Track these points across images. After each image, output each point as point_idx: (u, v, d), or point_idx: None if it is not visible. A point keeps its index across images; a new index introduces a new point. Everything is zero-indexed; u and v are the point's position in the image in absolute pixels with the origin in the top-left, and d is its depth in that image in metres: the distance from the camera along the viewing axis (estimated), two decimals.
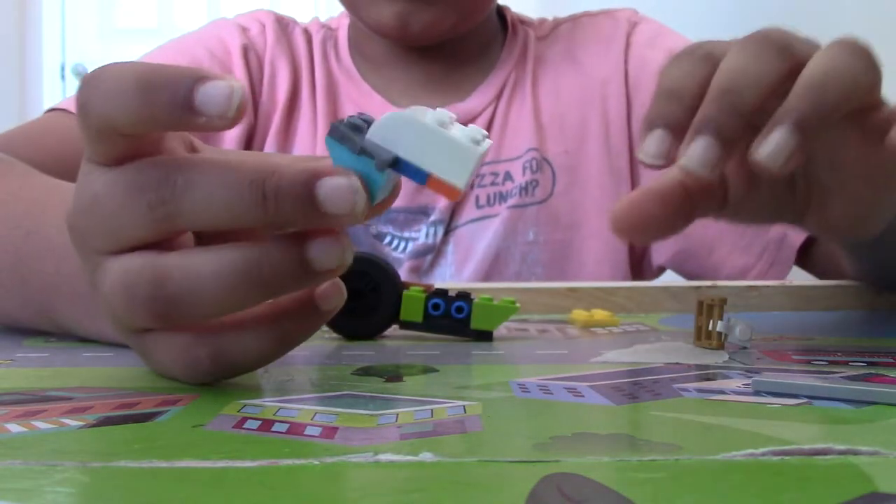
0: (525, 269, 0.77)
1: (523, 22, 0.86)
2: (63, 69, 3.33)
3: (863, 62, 0.36)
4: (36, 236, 0.44)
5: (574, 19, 0.86)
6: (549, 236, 0.77)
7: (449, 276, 0.77)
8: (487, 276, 0.76)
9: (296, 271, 0.30)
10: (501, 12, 0.86)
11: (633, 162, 0.79)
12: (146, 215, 0.30)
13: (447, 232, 0.77)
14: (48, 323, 0.45)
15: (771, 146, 0.34)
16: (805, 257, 0.73)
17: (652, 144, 0.35)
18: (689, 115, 0.35)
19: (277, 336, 0.33)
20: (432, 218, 0.76)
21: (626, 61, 0.81)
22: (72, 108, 0.72)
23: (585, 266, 0.77)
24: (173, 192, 0.29)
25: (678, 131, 0.35)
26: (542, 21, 0.87)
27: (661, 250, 0.79)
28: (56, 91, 3.32)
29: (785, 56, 0.36)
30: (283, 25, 0.85)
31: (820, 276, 0.72)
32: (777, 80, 0.36)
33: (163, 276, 0.30)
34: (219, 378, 0.33)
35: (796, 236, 0.72)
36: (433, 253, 0.76)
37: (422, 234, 0.76)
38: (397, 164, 0.30)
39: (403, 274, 0.75)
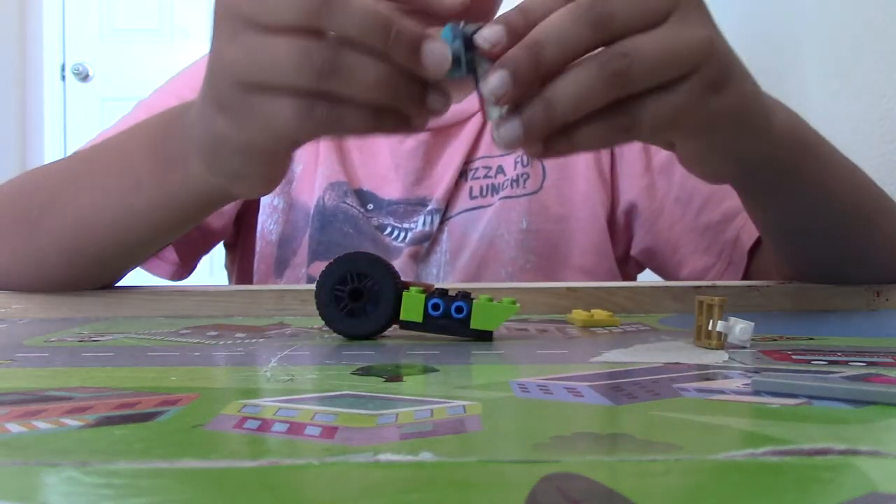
0: (521, 256, 0.79)
1: None
2: (63, 69, 3.33)
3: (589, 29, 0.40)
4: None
5: None
6: (540, 226, 0.80)
7: (444, 263, 0.78)
8: (483, 263, 0.78)
9: (415, 95, 0.41)
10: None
11: (613, 159, 0.83)
12: (308, 10, 0.39)
13: (442, 221, 0.79)
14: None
15: (488, 86, 0.39)
16: (750, 259, 0.75)
17: (488, 31, 0.40)
18: (526, 25, 0.40)
19: (376, 116, 0.41)
20: (430, 207, 0.79)
21: None
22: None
23: (572, 257, 0.80)
24: (333, 4, 0.38)
25: (514, 38, 0.40)
26: None
27: (635, 244, 0.83)
28: (56, 91, 3.32)
29: (602, 27, 0.40)
30: None
31: (760, 276, 0.75)
32: (583, 50, 0.40)
33: (339, 50, 0.39)
34: (316, 130, 0.41)
35: (747, 239, 0.75)
36: (430, 240, 0.78)
37: (419, 223, 0.78)
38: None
39: (402, 260, 0.77)
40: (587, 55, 0.40)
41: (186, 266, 0.79)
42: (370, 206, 0.80)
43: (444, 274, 0.79)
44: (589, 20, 0.39)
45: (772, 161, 0.52)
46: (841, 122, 0.94)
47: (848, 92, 0.93)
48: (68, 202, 0.58)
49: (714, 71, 0.42)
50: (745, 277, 0.76)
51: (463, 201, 0.80)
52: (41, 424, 0.28)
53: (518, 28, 0.40)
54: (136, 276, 0.67)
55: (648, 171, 0.81)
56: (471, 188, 0.80)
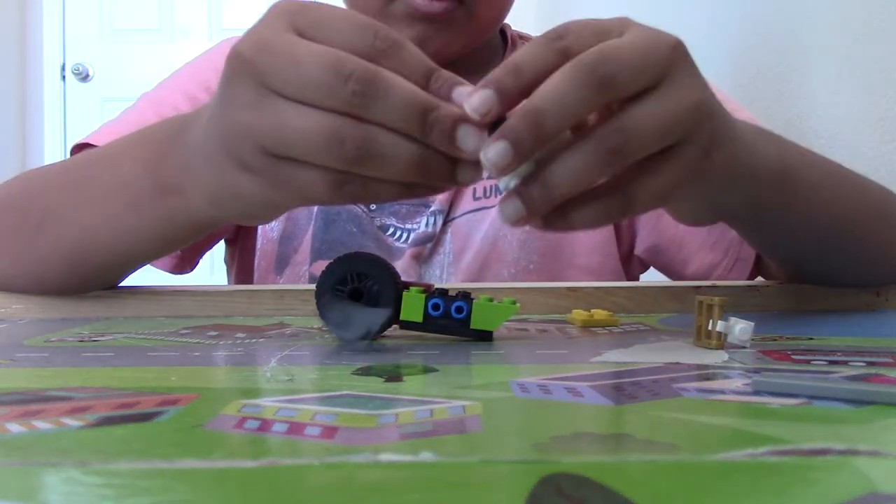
0: (523, 257, 0.79)
1: (522, 37, 0.90)
2: (63, 69, 3.33)
3: (592, 92, 0.39)
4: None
5: None
6: None
7: (447, 265, 0.78)
8: (486, 264, 0.78)
9: (445, 172, 0.40)
10: (502, 29, 0.89)
11: None
12: (342, 96, 0.38)
13: (446, 222, 0.79)
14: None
15: (488, 156, 0.38)
16: (758, 255, 0.76)
17: (477, 99, 0.39)
18: (520, 93, 0.39)
19: (406, 185, 0.41)
20: (432, 208, 0.79)
21: None
22: (96, 141, 0.74)
23: (576, 256, 0.80)
24: (373, 90, 0.38)
25: (504, 99, 0.39)
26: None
27: (639, 243, 0.82)
28: (56, 91, 3.32)
29: (604, 91, 0.39)
30: None
31: (769, 272, 0.75)
32: (585, 114, 0.40)
33: (372, 138, 0.39)
34: (345, 201, 0.41)
35: None
36: (433, 241, 0.78)
37: (422, 223, 0.78)
38: None
39: (405, 261, 0.77)
40: (583, 129, 0.40)
41: (189, 261, 0.79)
42: (373, 206, 0.80)
43: (447, 275, 0.79)
44: (591, 84, 0.38)
45: (757, 201, 0.52)
46: (841, 122, 0.94)
47: (848, 92, 0.93)
48: (69, 213, 0.58)
49: (705, 136, 0.43)
50: (752, 274, 0.75)
51: (466, 202, 0.80)
52: (41, 424, 0.28)
53: (510, 91, 0.39)
54: (137, 276, 0.67)
55: None
56: (474, 189, 0.80)
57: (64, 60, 3.34)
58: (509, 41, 0.88)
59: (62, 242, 0.58)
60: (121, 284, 0.64)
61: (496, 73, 0.39)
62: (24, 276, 0.61)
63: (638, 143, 0.40)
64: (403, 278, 0.47)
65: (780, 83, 1.06)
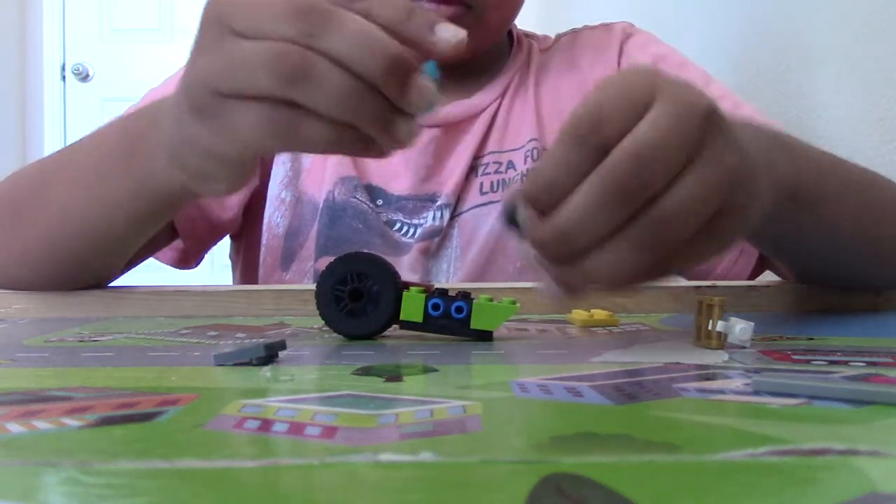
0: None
1: (528, 36, 0.91)
2: (63, 69, 3.33)
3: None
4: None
5: (575, 32, 0.91)
6: None
7: (454, 259, 0.79)
8: (491, 258, 0.78)
9: (381, 118, 0.40)
10: (509, 28, 0.89)
11: None
12: (296, 28, 0.39)
13: (453, 217, 0.79)
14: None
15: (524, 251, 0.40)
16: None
17: (521, 218, 0.39)
18: (553, 203, 0.39)
19: (338, 134, 0.40)
20: (439, 202, 0.79)
21: (618, 64, 0.86)
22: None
23: None
24: (327, 23, 0.39)
25: (540, 210, 0.39)
26: (546, 37, 0.92)
27: None
28: (56, 91, 3.32)
29: (634, 203, 0.38)
30: None
31: (777, 273, 0.75)
32: (616, 223, 0.38)
33: (310, 58, 0.39)
34: (274, 142, 0.41)
35: None
36: (440, 236, 0.78)
37: (429, 218, 0.78)
38: None
39: (412, 256, 0.77)
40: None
41: (193, 257, 0.79)
42: (379, 202, 0.80)
43: (455, 269, 0.79)
44: (621, 200, 0.37)
45: (768, 217, 0.50)
46: (841, 122, 0.94)
47: (848, 92, 0.93)
48: (50, 196, 0.59)
49: (739, 200, 0.41)
50: (758, 264, 0.75)
51: (473, 197, 0.80)
52: (41, 424, 0.28)
53: (543, 205, 0.39)
54: (138, 276, 0.67)
55: None
56: (481, 184, 0.81)
57: (64, 60, 3.34)
58: (515, 40, 0.89)
59: (43, 226, 0.59)
60: (121, 284, 0.64)
61: (529, 187, 0.39)
62: (11, 267, 0.61)
63: (674, 231, 0.38)
64: (411, 273, 0.47)
65: (780, 83, 1.06)
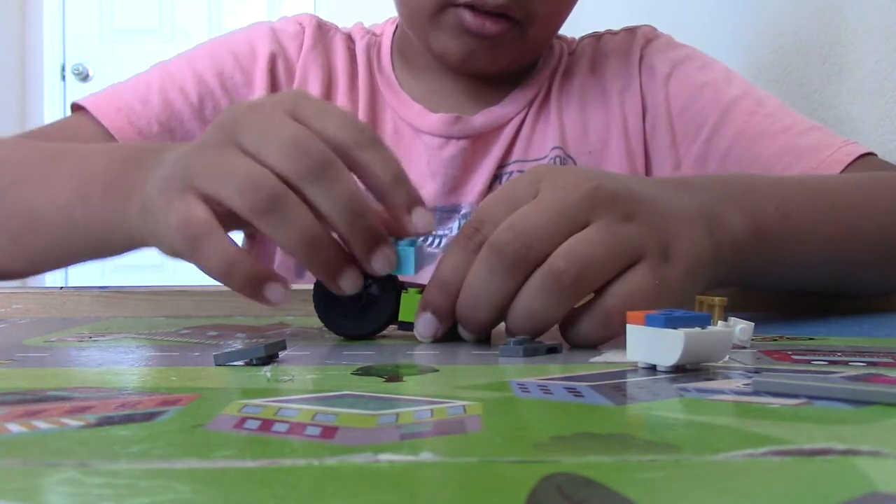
0: None
1: (557, 36, 0.89)
2: (63, 70, 3.33)
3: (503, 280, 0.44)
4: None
5: (596, 36, 0.90)
6: None
7: None
8: None
9: (334, 265, 0.45)
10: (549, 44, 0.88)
11: (647, 163, 0.83)
12: (291, 167, 0.42)
13: None
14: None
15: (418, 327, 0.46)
16: None
17: (423, 326, 0.46)
18: (452, 303, 0.45)
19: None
20: (464, 211, 0.79)
21: (639, 71, 0.85)
22: (93, 110, 0.75)
23: None
24: (321, 176, 0.43)
25: (443, 316, 0.46)
26: (572, 39, 0.91)
27: None
28: (56, 91, 3.32)
29: (522, 267, 0.43)
30: (324, 31, 0.86)
31: None
32: (508, 298, 0.44)
33: (285, 195, 0.42)
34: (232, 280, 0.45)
35: None
36: None
37: (454, 228, 0.78)
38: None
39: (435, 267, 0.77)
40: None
41: None
42: None
43: None
44: (507, 267, 0.43)
45: (735, 267, 0.51)
46: (841, 122, 0.94)
47: (848, 92, 0.93)
48: (24, 191, 0.59)
49: (655, 248, 0.45)
50: None
51: None
52: (41, 424, 0.28)
53: (446, 308, 0.46)
54: (137, 276, 0.67)
55: (678, 169, 0.81)
56: None
57: (64, 60, 3.34)
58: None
59: (11, 216, 0.60)
60: (121, 284, 0.64)
61: (428, 295, 0.45)
62: None
63: (579, 281, 0.43)
64: None
65: (780, 83, 1.06)
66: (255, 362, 0.39)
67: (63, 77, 3.33)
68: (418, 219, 0.45)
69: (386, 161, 0.45)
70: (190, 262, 0.45)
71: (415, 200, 0.45)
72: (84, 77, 3.30)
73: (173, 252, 0.47)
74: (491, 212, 0.45)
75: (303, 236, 0.42)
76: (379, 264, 0.44)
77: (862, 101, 0.90)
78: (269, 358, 0.39)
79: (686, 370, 0.37)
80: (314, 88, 0.82)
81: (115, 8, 3.33)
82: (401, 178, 0.45)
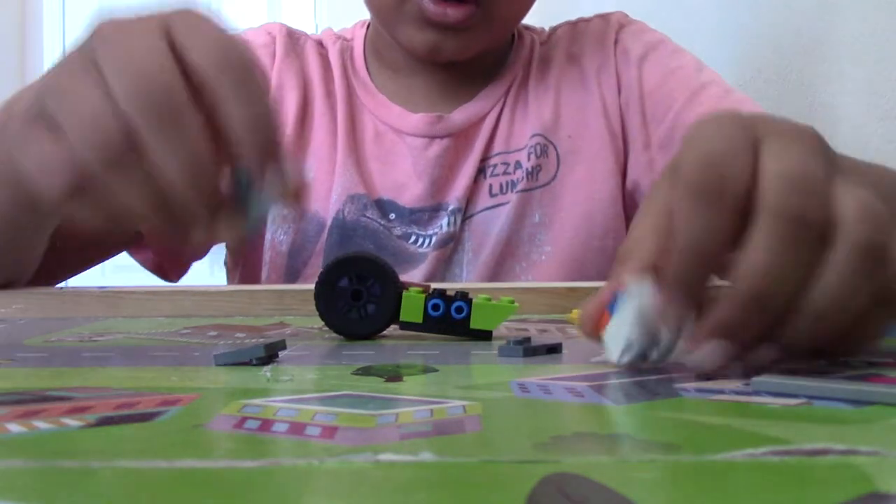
0: (534, 250, 0.79)
1: (528, 29, 0.90)
2: None
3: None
4: None
5: (571, 24, 0.91)
6: (553, 217, 0.80)
7: (466, 263, 0.79)
8: (501, 259, 0.78)
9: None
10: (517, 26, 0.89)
11: (625, 141, 0.84)
12: (138, 111, 0.36)
13: (464, 220, 0.79)
14: None
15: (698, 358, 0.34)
16: None
17: (709, 353, 0.34)
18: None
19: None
20: (451, 207, 0.79)
21: (614, 53, 0.86)
22: None
23: (594, 240, 0.80)
24: (165, 122, 0.36)
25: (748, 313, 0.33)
26: (543, 30, 0.91)
27: None
28: None
29: (817, 246, 0.33)
30: (294, 39, 0.86)
31: None
32: (809, 276, 0.33)
33: (132, 156, 0.37)
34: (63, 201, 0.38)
35: None
36: (453, 241, 0.78)
37: (443, 224, 0.78)
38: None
39: (427, 264, 0.76)
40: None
41: (172, 269, 0.78)
42: (392, 216, 0.79)
43: (468, 273, 0.78)
44: (868, 267, 0.32)
45: None
46: (841, 122, 0.94)
47: (848, 92, 0.93)
48: None
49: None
50: None
51: (483, 199, 0.80)
52: (41, 424, 0.28)
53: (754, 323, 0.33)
54: (137, 276, 0.67)
55: (647, 149, 0.81)
56: (490, 185, 0.80)
57: None
58: (516, 35, 0.88)
59: None
60: (121, 284, 0.64)
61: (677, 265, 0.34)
62: None
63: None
64: (428, 280, 0.48)
65: (780, 83, 1.06)
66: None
67: None
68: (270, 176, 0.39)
69: (245, 105, 0.38)
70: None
71: (268, 156, 0.39)
72: None
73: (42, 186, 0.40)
74: (727, 159, 0.33)
75: (149, 193, 0.38)
76: (222, 233, 0.39)
77: (862, 101, 0.90)
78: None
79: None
80: (291, 97, 0.82)
81: (115, 8, 3.33)
82: (258, 128, 0.38)
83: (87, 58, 0.39)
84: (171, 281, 0.81)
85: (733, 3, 1.21)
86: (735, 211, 0.33)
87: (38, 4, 3.31)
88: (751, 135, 0.34)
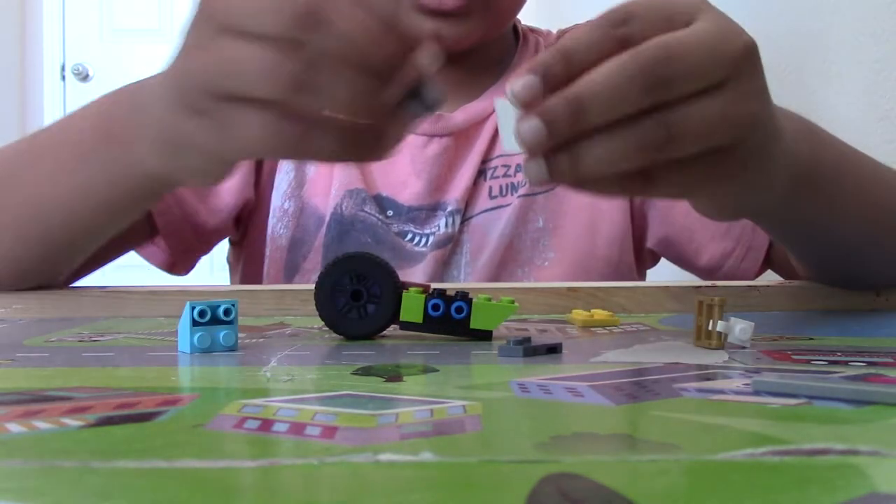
0: (537, 255, 0.79)
1: (533, 31, 0.90)
2: (63, 69, 3.33)
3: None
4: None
5: (577, 26, 0.89)
6: (557, 222, 0.79)
7: (465, 265, 0.78)
8: (502, 263, 0.78)
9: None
10: (514, 23, 0.89)
11: None
12: (292, 30, 0.37)
13: (462, 221, 0.79)
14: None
15: (520, 131, 0.37)
16: (771, 242, 0.76)
17: (520, 85, 0.37)
18: (566, 80, 0.38)
19: (344, 145, 0.40)
20: (449, 208, 0.78)
21: None
22: None
23: (598, 248, 0.79)
24: (321, 13, 0.37)
25: (550, 87, 0.37)
26: (549, 32, 0.91)
27: (650, 235, 0.82)
28: (56, 91, 3.32)
29: (658, 93, 0.37)
30: None
31: (781, 260, 0.74)
32: (631, 111, 0.37)
33: (312, 62, 0.37)
34: (280, 152, 0.41)
35: None
36: (452, 242, 0.78)
37: (441, 225, 0.78)
38: None
39: (427, 264, 0.76)
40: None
41: (182, 262, 0.78)
42: (390, 213, 0.79)
43: (465, 275, 0.78)
44: (645, 84, 0.37)
45: (783, 200, 0.51)
46: (841, 123, 0.94)
47: (848, 92, 0.93)
48: (19, 183, 0.58)
49: (747, 149, 0.41)
50: (766, 261, 0.75)
51: (483, 201, 0.80)
52: (41, 424, 0.28)
53: (558, 80, 0.37)
54: (138, 276, 0.67)
55: None
56: (490, 188, 0.80)
57: (64, 60, 3.34)
58: (521, 36, 0.88)
59: (14, 211, 0.58)
60: (121, 284, 0.64)
61: (545, 57, 0.38)
62: None
63: (679, 142, 0.38)
64: (426, 281, 0.47)
65: (780, 83, 1.06)
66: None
67: (63, 77, 3.33)
68: (425, 57, 0.40)
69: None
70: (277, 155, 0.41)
71: (415, 38, 0.40)
72: (84, 77, 3.30)
73: (215, 167, 0.44)
74: (643, 13, 0.39)
75: (349, 89, 0.38)
76: (428, 59, 0.39)
77: (862, 101, 0.90)
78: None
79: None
80: None
81: (115, 8, 3.33)
82: (393, 21, 0.39)
83: (209, 28, 0.40)
84: (178, 275, 0.81)
85: (733, 3, 1.21)
86: (613, 41, 0.38)
87: (38, 4, 3.31)
88: (686, 12, 0.40)
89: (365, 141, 0.40)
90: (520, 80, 0.37)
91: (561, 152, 0.38)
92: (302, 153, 0.41)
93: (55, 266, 0.62)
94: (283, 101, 0.38)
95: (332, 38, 0.37)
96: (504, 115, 0.38)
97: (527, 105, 0.37)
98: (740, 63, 0.40)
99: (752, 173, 0.44)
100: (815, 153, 0.52)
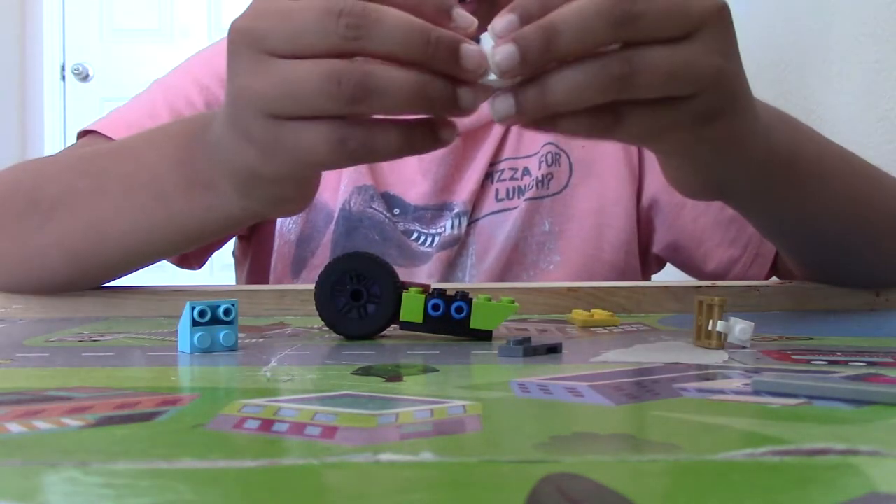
0: (543, 259, 0.79)
1: None
2: (63, 69, 3.33)
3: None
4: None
5: None
6: (563, 226, 0.79)
7: (470, 267, 0.78)
8: (507, 265, 0.78)
9: (447, 98, 0.40)
10: None
11: (641, 155, 0.82)
12: (338, 34, 0.38)
13: (469, 223, 0.78)
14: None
15: (494, 57, 0.39)
16: (776, 257, 0.76)
17: (500, 22, 0.40)
18: (542, 14, 0.39)
19: (407, 138, 0.41)
20: (456, 210, 0.78)
21: None
22: (103, 129, 0.73)
23: (604, 253, 0.79)
24: (367, 21, 0.38)
25: (526, 23, 0.39)
26: None
27: (657, 241, 0.82)
28: (56, 91, 3.32)
29: (627, 29, 0.39)
30: None
31: (788, 268, 0.75)
32: (598, 46, 0.39)
33: (368, 72, 0.39)
34: (348, 161, 0.42)
35: None
36: (458, 244, 0.78)
37: (447, 226, 0.78)
38: None
39: (432, 266, 0.76)
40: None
41: (197, 258, 0.78)
42: (396, 211, 0.79)
43: (471, 278, 0.78)
44: (614, 18, 0.38)
45: (760, 184, 0.52)
46: (841, 122, 0.94)
47: (848, 92, 0.93)
48: (83, 203, 0.57)
49: (712, 102, 0.43)
50: (772, 268, 0.75)
51: (489, 203, 0.80)
52: (41, 424, 0.28)
53: (534, 18, 0.39)
54: (136, 276, 0.67)
55: None
56: (497, 190, 0.80)
57: (64, 60, 3.33)
58: None
59: (69, 232, 0.57)
60: (121, 284, 0.63)
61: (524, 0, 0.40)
62: (20, 268, 0.60)
63: (643, 80, 0.39)
64: (431, 282, 0.48)
65: (780, 83, 1.06)
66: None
67: (63, 77, 3.32)
68: (460, 20, 0.41)
69: None
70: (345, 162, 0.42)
71: (447, 3, 0.41)
72: (84, 77, 3.30)
73: (290, 191, 0.46)
74: None
75: (406, 87, 0.39)
76: (472, 61, 0.40)
77: (862, 101, 0.90)
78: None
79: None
80: None
81: (115, 8, 3.33)
82: (447, 4, 0.41)
83: (252, 56, 0.41)
84: (192, 269, 0.80)
85: (732, 3, 1.21)
86: None
87: (38, 4, 3.31)
88: None
89: (424, 131, 0.41)
90: (501, 18, 0.40)
91: (529, 84, 0.39)
92: (367, 157, 0.42)
93: (96, 282, 0.62)
94: (347, 113, 0.39)
95: (379, 41, 0.39)
96: (487, 48, 0.40)
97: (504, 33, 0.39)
98: (708, 18, 0.41)
99: (721, 141, 0.45)
100: (795, 144, 0.53)
